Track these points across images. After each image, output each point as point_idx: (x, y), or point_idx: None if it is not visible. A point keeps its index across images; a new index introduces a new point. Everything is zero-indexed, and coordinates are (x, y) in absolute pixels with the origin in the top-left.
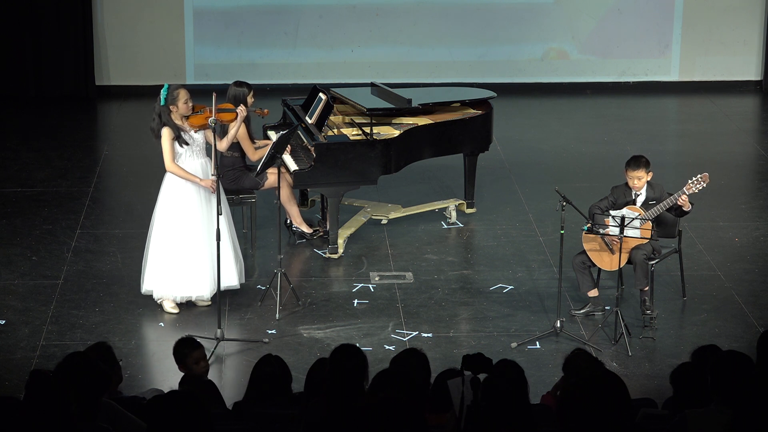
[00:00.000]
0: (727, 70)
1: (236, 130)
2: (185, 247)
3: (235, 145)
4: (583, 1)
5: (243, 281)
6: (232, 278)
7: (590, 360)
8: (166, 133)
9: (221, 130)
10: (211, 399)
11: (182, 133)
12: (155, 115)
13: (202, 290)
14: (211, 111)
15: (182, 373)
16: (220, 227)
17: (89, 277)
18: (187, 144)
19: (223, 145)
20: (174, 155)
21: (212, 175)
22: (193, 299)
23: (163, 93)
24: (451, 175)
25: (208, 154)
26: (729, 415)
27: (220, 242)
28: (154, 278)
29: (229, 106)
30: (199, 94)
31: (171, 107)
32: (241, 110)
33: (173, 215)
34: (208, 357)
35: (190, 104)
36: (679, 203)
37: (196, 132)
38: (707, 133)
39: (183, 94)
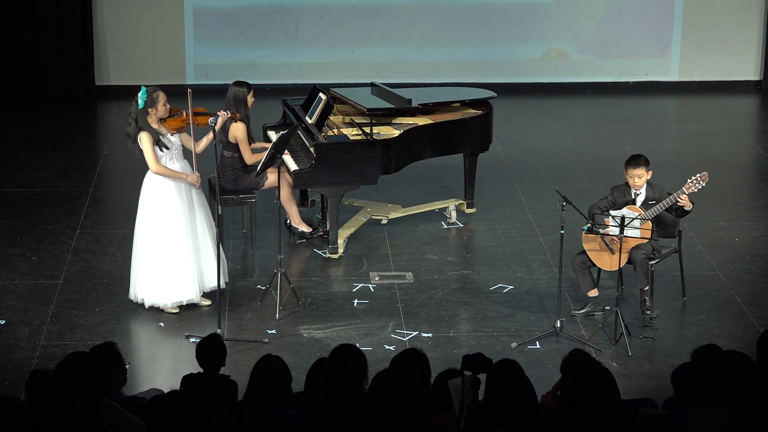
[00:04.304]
0: (727, 70)
1: (214, 134)
2: (169, 253)
3: (235, 146)
4: (583, 1)
5: (227, 280)
6: (215, 279)
7: (588, 360)
8: (146, 137)
9: (221, 132)
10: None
11: (161, 137)
12: (131, 119)
13: (189, 294)
14: (187, 114)
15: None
16: (199, 228)
17: (89, 277)
18: (167, 148)
19: (199, 146)
20: (156, 157)
21: (213, 174)
22: (184, 303)
23: (141, 96)
24: (451, 175)
25: (186, 156)
26: (729, 415)
27: (201, 244)
28: (145, 286)
29: (204, 110)
30: (199, 94)
31: (150, 110)
32: (222, 115)
33: (154, 220)
34: None
35: (168, 106)
36: (679, 202)
37: (172, 135)
38: (707, 133)
39: (162, 97)
